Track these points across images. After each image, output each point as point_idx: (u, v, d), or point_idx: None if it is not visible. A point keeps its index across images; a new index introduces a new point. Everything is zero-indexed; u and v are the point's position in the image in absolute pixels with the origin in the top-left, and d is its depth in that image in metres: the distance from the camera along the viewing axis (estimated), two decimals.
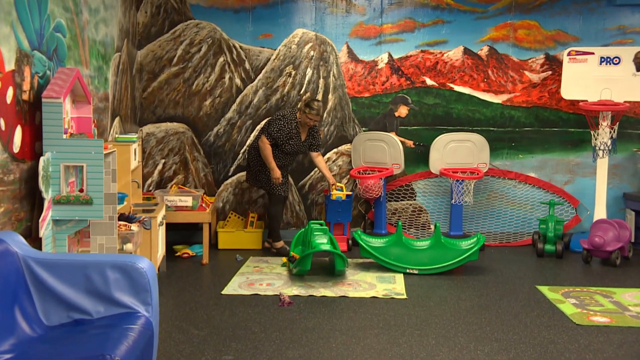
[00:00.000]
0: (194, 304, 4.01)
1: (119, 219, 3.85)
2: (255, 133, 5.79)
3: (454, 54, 5.94)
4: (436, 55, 5.95)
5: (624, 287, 4.45)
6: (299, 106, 5.22)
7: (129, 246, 3.73)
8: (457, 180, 5.55)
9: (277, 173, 5.09)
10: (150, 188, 5.93)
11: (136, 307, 2.57)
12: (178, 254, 5.35)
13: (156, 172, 5.95)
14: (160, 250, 4.62)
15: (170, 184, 5.93)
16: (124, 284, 2.58)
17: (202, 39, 5.86)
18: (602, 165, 5.50)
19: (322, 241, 4.51)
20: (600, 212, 5.50)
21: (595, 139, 5.51)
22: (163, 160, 5.95)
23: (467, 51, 5.92)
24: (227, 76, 5.91)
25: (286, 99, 5.91)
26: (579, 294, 4.27)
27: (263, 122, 5.65)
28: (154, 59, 5.87)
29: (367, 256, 4.90)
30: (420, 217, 6.07)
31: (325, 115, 5.95)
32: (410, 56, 5.95)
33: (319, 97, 5.91)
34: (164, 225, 4.81)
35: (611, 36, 5.84)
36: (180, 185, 5.84)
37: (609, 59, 5.40)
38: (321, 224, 4.92)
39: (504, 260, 5.30)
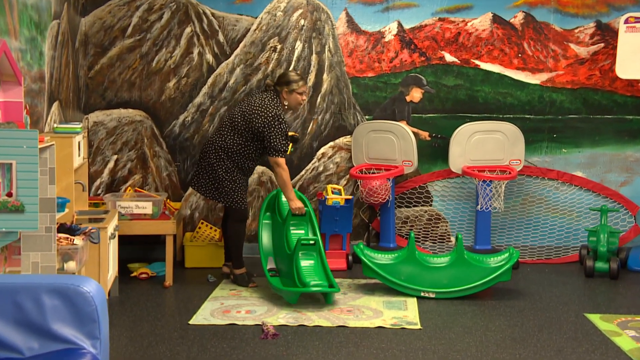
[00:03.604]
0: (153, 338, 3.99)
1: (59, 231, 3.82)
2: (224, 130, 5.03)
3: (481, 22, 5.95)
4: (458, 24, 5.95)
5: None
6: (271, 88, 4.95)
7: (71, 265, 3.70)
8: (484, 181, 5.56)
9: (298, 203, 4.97)
10: (99, 191, 5.91)
11: (80, 342, 2.54)
12: (134, 274, 5.33)
13: (106, 171, 5.93)
14: (112, 270, 4.60)
15: (124, 187, 5.91)
16: (64, 312, 2.55)
17: (163, 4, 5.84)
18: None
19: (311, 275, 4.67)
20: None
21: None
22: (115, 157, 5.93)
23: (496, 19, 5.93)
24: (195, 51, 5.90)
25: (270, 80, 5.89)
26: None
27: (243, 120, 5.00)
28: (103, 29, 5.85)
29: (372, 276, 4.89)
30: (437, 227, 6.07)
31: (319, 99, 5.94)
32: (425, 26, 5.94)
33: (312, 77, 5.91)
34: (117, 239, 4.80)
35: None
36: (137, 188, 5.82)
37: None
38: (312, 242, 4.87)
39: (544, 282, 5.30)
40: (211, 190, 5.01)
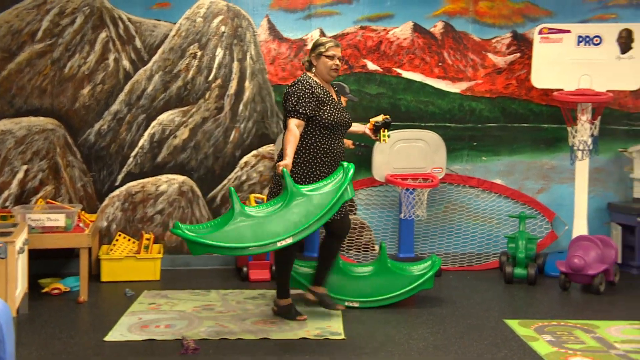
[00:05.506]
0: (66, 356, 3.88)
1: None
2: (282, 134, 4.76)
3: (402, 31, 6.06)
4: (379, 32, 6.04)
5: (609, 320, 4.61)
6: (305, 60, 4.56)
7: None
8: (407, 189, 5.64)
9: (288, 160, 4.26)
10: (7, 203, 5.75)
11: None
12: (46, 289, 5.20)
13: (15, 182, 5.77)
14: (20, 286, 4.47)
15: (35, 198, 5.77)
16: None
17: (76, 8, 5.72)
18: (582, 169, 5.72)
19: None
20: (580, 226, 5.71)
21: (573, 137, 5.72)
22: (25, 167, 5.77)
23: (417, 28, 6.05)
24: (111, 57, 5.80)
25: (190, 87, 5.85)
26: (556, 329, 4.40)
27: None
28: (10, 33, 5.69)
29: (296, 286, 4.89)
30: (361, 235, 6.13)
31: (241, 107, 5.92)
32: (347, 34, 6.01)
33: (233, 85, 5.89)
34: (26, 253, 4.66)
35: (590, 10, 6.10)
36: (49, 200, 5.69)
37: (588, 39, 5.64)
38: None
39: (465, 289, 5.42)
40: None
